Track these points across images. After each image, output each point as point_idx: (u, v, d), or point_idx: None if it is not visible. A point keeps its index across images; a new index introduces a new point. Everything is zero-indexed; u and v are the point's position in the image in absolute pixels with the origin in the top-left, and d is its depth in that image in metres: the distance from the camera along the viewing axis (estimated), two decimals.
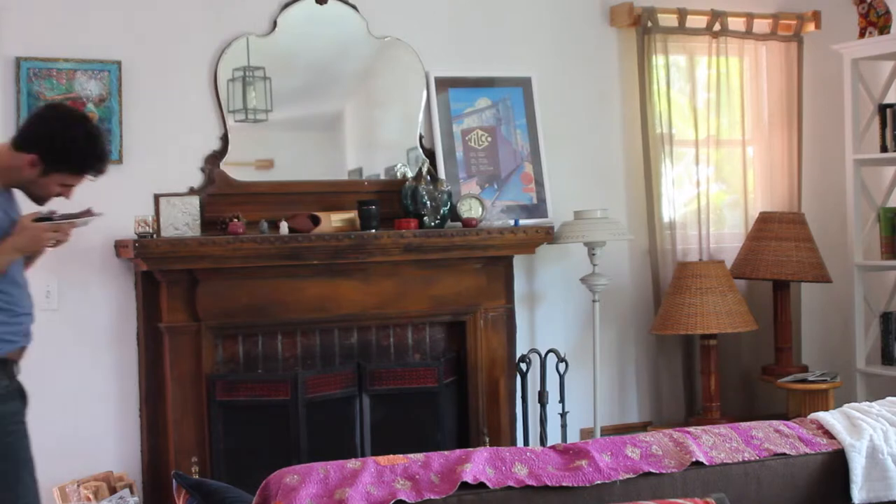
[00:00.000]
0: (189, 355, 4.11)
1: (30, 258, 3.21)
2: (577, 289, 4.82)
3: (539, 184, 4.73)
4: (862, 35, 5.08)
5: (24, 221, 3.00)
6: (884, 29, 5.02)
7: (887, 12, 5.02)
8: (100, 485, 3.91)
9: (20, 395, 3.09)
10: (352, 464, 2.20)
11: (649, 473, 2.32)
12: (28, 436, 3.07)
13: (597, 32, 5.02)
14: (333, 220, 4.28)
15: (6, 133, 3.99)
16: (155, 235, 4.01)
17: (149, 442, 4.16)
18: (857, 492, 2.48)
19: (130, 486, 4.01)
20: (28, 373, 4.02)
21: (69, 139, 2.97)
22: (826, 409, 3.05)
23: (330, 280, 4.30)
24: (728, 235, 5.33)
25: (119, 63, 4.14)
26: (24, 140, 2.99)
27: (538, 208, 4.71)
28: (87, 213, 3.12)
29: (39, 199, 3.08)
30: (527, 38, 4.87)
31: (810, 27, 5.32)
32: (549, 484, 2.22)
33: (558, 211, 4.72)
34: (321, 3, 4.48)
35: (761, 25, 5.24)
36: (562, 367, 4.61)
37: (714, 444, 2.45)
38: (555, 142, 4.83)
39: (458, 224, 4.46)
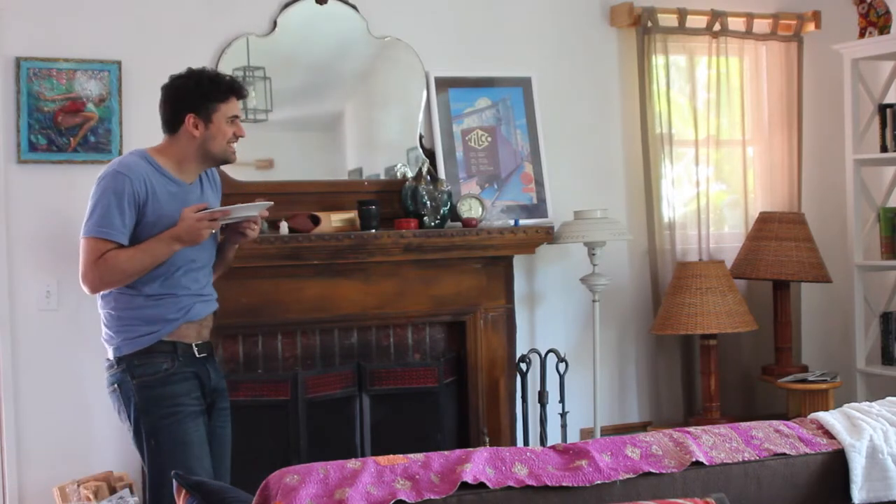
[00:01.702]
0: None
1: (221, 254, 3.36)
2: (577, 289, 4.82)
3: (539, 184, 4.73)
4: (862, 35, 5.08)
5: (185, 212, 3.08)
6: (884, 29, 5.02)
7: (887, 12, 5.02)
8: (100, 485, 3.91)
9: (194, 377, 3.16)
10: (352, 464, 2.20)
11: (649, 473, 2.32)
12: (197, 418, 3.14)
13: (597, 32, 5.02)
14: (333, 220, 4.28)
15: (6, 133, 4.00)
16: None
17: None
18: (857, 492, 2.48)
19: (130, 486, 4.01)
20: (28, 373, 4.05)
21: (195, 78, 3.20)
22: (826, 409, 3.05)
23: (330, 280, 4.30)
24: (728, 235, 5.33)
25: (119, 63, 4.14)
26: (167, 121, 3.20)
27: (538, 208, 4.71)
28: (250, 202, 3.24)
29: (225, 154, 3.22)
30: (527, 38, 4.87)
31: (810, 27, 5.32)
32: (549, 484, 2.22)
33: (558, 211, 4.72)
34: (321, 3, 4.48)
35: (761, 25, 5.24)
36: (562, 367, 4.61)
37: (714, 444, 2.44)
38: (555, 142, 4.83)
39: (458, 224, 4.46)
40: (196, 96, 3.16)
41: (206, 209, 3.10)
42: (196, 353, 3.18)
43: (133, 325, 3.11)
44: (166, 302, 3.13)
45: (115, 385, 3.13)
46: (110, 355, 3.15)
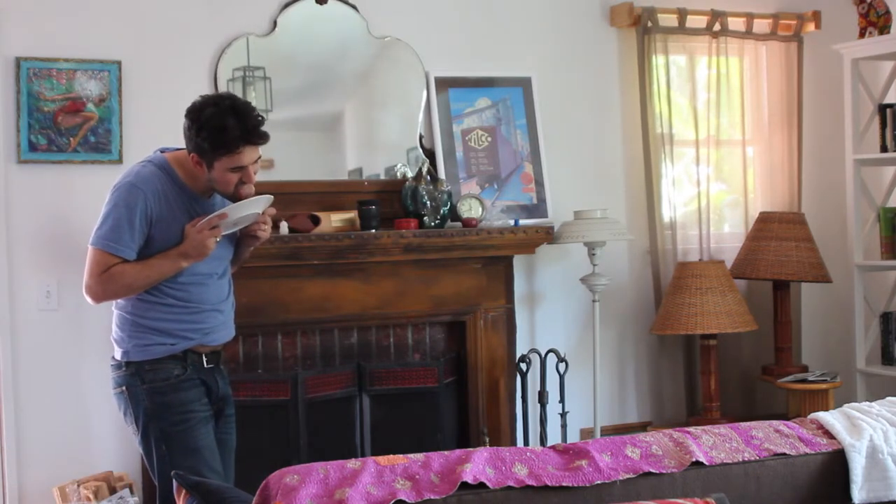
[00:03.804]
0: None
1: (236, 255, 3.29)
2: (577, 289, 4.82)
3: (539, 184, 4.73)
4: (862, 35, 5.08)
5: (187, 229, 3.02)
6: (884, 29, 5.02)
7: (887, 12, 5.02)
8: (100, 485, 3.91)
9: (202, 384, 3.14)
10: (352, 464, 2.20)
11: (649, 473, 2.32)
12: (206, 424, 3.12)
13: (597, 32, 5.02)
14: (333, 220, 4.28)
15: (6, 133, 4.00)
16: None
17: None
18: (857, 492, 2.48)
19: (130, 486, 4.01)
20: (28, 373, 4.05)
21: (203, 125, 2.95)
22: (826, 409, 3.05)
23: (330, 280, 4.30)
24: (728, 235, 5.33)
25: (119, 63, 4.14)
26: (185, 144, 3.03)
27: (538, 208, 4.71)
28: (247, 199, 3.06)
29: (231, 197, 3.07)
30: (527, 38, 4.87)
31: (810, 27, 5.32)
32: (549, 484, 2.22)
33: (558, 211, 4.72)
34: (321, 3, 4.48)
35: (761, 25, 5.24)
36: (562, 367, 4.61)
37: (714, 444, 2.45)
38: (555, 142, 4.83)
39: (458, 224, 4.46)
40: (195, 142, 2.98)
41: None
42: (205, 363, 3.16)
43: (147, 333, 3.07)
44: (185, 318, 3.09)
45: (123, 387, 3.10)
46: (118, 356, 3.11)
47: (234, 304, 3.30)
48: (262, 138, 3.01)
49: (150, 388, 3.06)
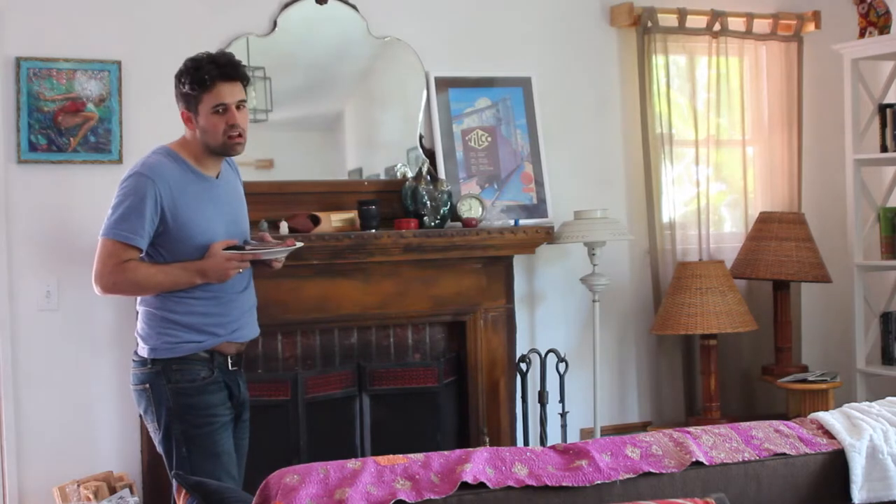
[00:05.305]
0: None
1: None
2: (577, 289, 4.82)
3: (539, 184, 4.73)
4: (862, 35, 5.08)
5: (215, 248, 3.04)
6: (884, 29, 5.02)
7: (887, 12, 5.02)
8: (100, 485, 3.92)
9: (226, 388, 3.14)
10: (352, 464, 2.20)
11: (649, 473, 2.32)
12: (228, 429, 3.12)
13: (597, 32, 5.02)
14: (333, 220, 4.28)
15: (6, 133, 4.00)
16: None
17: (149, 442, 4.12)
18: (857, 492, 2.48)
19: (130, 486, 4.01)
20: (28, 373, 4.05)
21: (183, 73, 3.08)
22: (826, 409, 3.05)
23: (330, 280, 4.30)
24: (728, 235, 5.33)
25: (119, 63, 4.14)
26: (178, 106, 3.12)
27: (538, 208, 4.71)
28: (280, 244, 3.22)
29: (225, 149, 3.11)
30: (527, 38, 4.87)
31: (810, 27, 5.32)
32: (549, 484, 2.22)
33: (558, 211, 4.72)
34: (321, 3, 4.48)
35: (761, 25, 5.24)
36: (562, 367, 4.61)
37: (714, 444, 2.45)
38: (555, 142, 4.83)
39: (458, 224, 4.46)
40: (180, 93, 3.08)
41: (235, 247, 3.07)
42: (230, 365, 3.17)
43: (175, 330, 3.07)
44: (213, 310, 3.10)
45: (147, 384, 3.08)
46: (144, 353, 3.09)
47: (255, 302, 3.32)
48: (237, 72, 3.10)
49: (175, 388, 3.05)
